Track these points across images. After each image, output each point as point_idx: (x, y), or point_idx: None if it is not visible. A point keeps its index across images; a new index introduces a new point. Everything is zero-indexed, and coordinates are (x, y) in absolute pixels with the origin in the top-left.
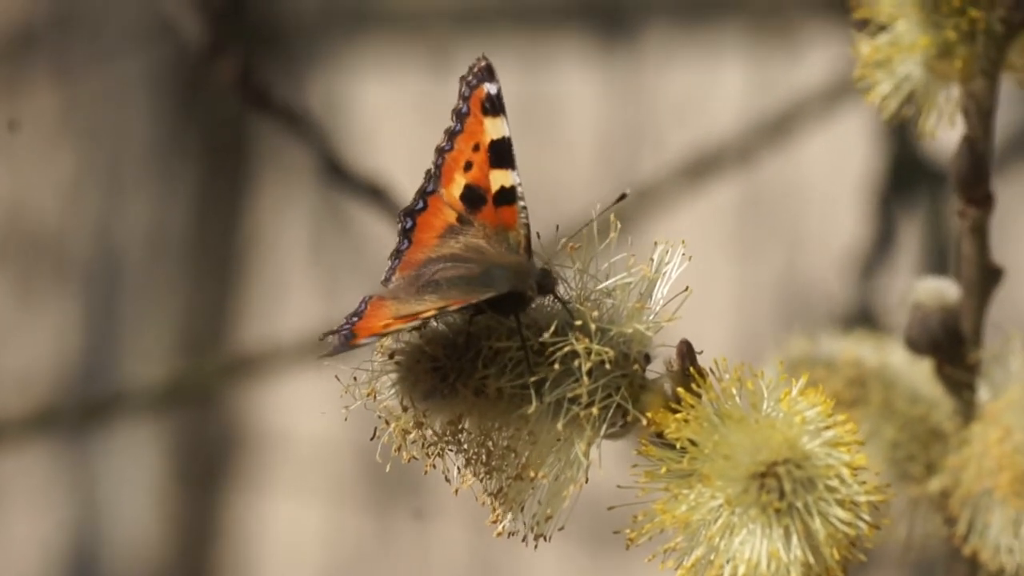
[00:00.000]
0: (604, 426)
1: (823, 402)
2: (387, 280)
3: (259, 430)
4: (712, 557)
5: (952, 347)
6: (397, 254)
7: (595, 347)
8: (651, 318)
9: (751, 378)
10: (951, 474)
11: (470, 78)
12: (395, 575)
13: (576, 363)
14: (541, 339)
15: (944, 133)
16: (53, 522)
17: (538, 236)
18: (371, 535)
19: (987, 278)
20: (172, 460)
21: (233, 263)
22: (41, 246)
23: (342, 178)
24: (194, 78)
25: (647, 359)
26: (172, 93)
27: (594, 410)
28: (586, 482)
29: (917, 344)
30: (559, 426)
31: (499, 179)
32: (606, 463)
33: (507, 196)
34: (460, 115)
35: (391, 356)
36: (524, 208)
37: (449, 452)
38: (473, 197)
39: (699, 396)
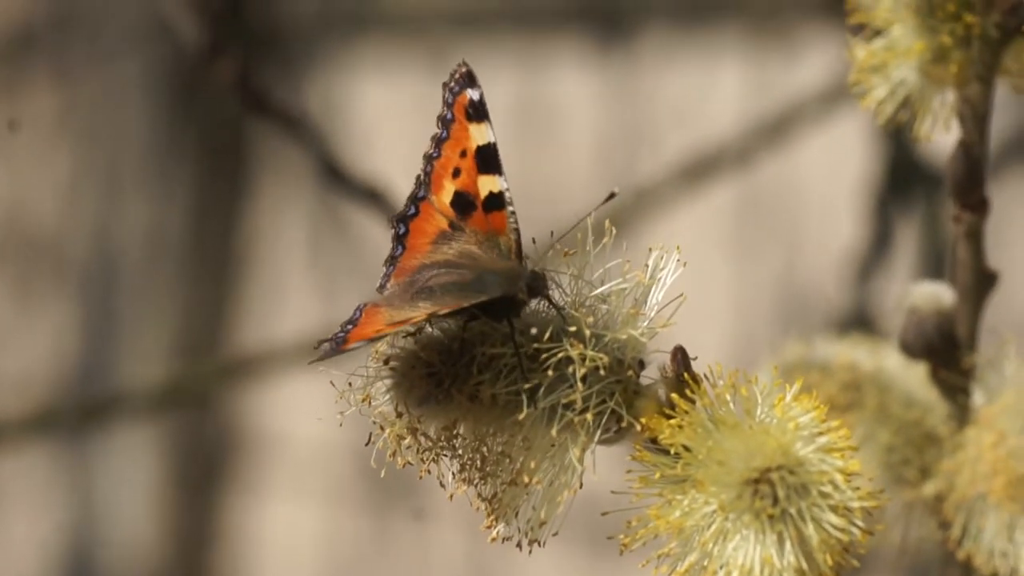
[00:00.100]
0: (598, 432)
1: (817, 408)
2: (382, 287)
3: (257, 432)
4: (706, 563)
5: (947, 351)
6: (391, 260)
7: (589, 353)
8: (646, 324)
9: (745, 384)
10: (946, 478)
11: (452, 84)
12: None
13: (570, 369)
14: (536, 345)
15: (941, 136)
16: (51, 523)
17: (533, 241)
18: (368, 537)
19: (982, 283)
20: (170, 462)
21: (231, 265)
22: (39, 247)
23: (340, 180)
24: (192, 80)
25: (641, 365)
26: (170, 95)
27: (588, 416)
28: (580, 487)
29: (912, 348)
30: (553, 432)
31: (487, 185)
32: (604, 468)
33: (496, 202)
34: (445, 121)
35: (386, 362)
36: (513, 213)
37: (444, 457)
38: (463, 203)
39: (693, 402)
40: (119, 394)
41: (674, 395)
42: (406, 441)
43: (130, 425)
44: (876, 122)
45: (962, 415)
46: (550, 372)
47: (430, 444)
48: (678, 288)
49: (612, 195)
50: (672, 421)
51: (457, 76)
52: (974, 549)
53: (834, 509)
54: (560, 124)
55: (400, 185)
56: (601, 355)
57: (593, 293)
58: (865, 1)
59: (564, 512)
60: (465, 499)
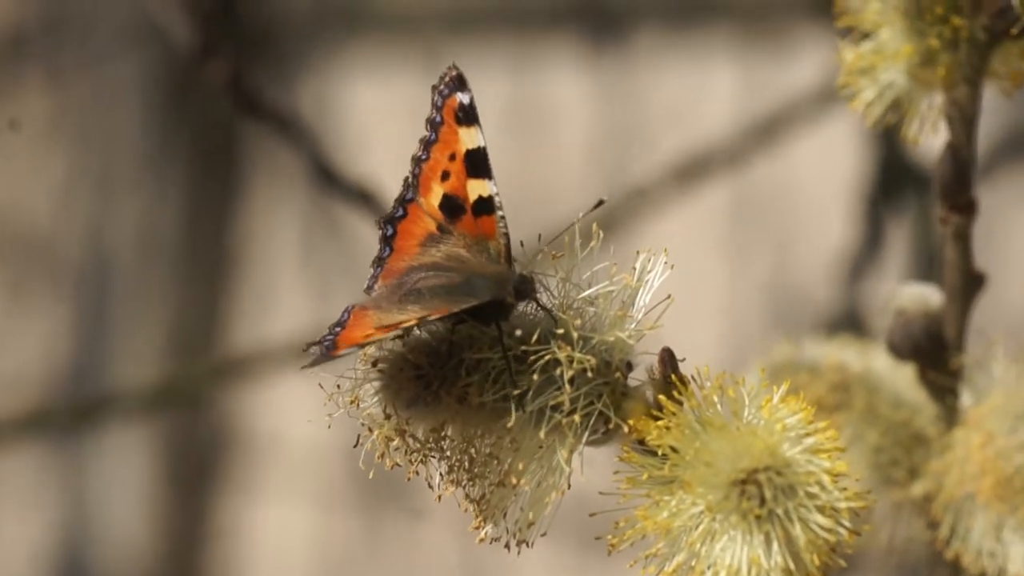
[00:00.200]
0: (586, 433)
1: (804, 409)
2: (370, 288)
3: (249, 432)
4: (693, 563)
5: (935, 352)
6: (379, 262)
7: (577, 355)
8: (633, 326)
9: (732, 385)
10: (934, 478)
11: (442, 88)
12: None
13: (558, 371)
14: (523, 347)
15: (931, 138)
16: (43, 523)
17: (522, 244)
18: (360, 538)
19: (970, 284)
20: (162, 462)
21: (224, 266)
22: (32, 248)
23: (332, 182)
24: (185, 81)
25: (629, 367)
26: (163, 96)
27: (576, 418)
28: (568, 488)
29: (900, 349)
30: (541, 433)
31: (476, 189)
32: (599, 468)
33: (485, 206)
34: (434, 124)
35: (374, 364)
36: (503, 218)
37: (432, 459)
38: (452, 207)
39: (681, 403)
40: (112, 394)
41: (662, 397)
42: (394, 443)
43: (123, 425)
44: (865, 124)
45: (950, 416)
46: (538, 375)
47: (418, 446)
48: (670, 288)
49: (600, 203)
50: (660, 422)
51: (447, 79)
52: (962, 549)
53: (821, 510)
54: (553, 124)
55: (392, 187)
56: (589, 357)
57: (581, 296)
58: (853, 4)
59: (552, 513)
60: (455, 500)
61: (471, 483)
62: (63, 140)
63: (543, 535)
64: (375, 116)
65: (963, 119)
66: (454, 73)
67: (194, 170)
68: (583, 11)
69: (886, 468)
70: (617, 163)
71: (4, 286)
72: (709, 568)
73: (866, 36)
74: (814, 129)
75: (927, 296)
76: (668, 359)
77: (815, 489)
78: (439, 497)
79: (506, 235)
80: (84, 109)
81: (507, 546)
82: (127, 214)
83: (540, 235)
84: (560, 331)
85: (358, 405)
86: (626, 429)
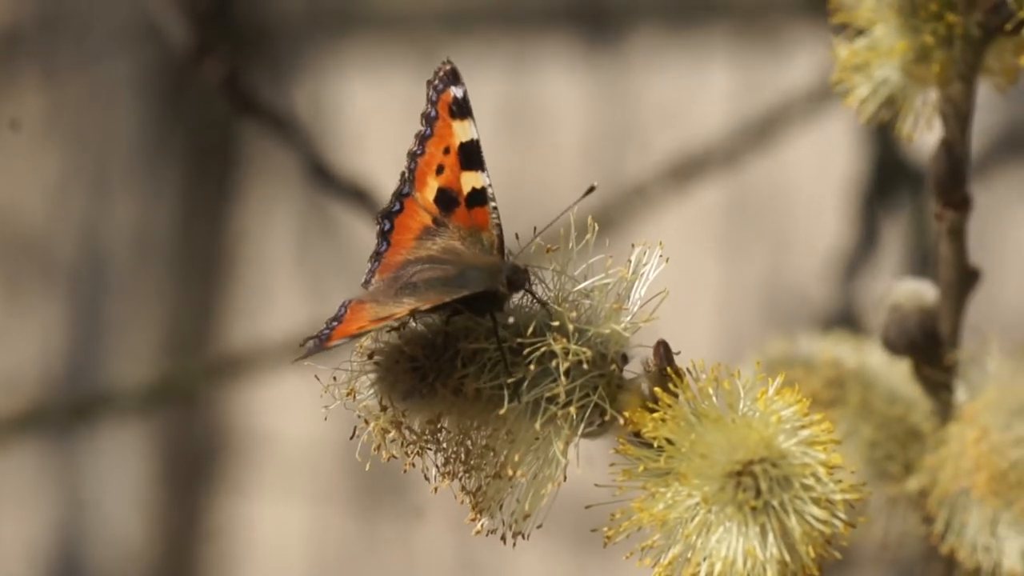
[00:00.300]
0: (582, 425)
1: (799, 401)
2: (367, 283)
3: (245, 431)
4: (689, 555)
5: (930, 348)
6: (376, 256)
7: (573, 347)
8: (628, 319)
9: (728, 378)
10: (929, 473)
11: (436, 82)
12: (380, 574)
13: (554, 363)
14: (519, 339)
15: (925, 135)
16: (39, 522)
17: (516, 237)
18: (356, 536)
19: (965, 280)
20: (158, 460)
21: (219, 265)
22: (28, 247)
23: (328, 180)
24: (180, 80)
25: (624, 359)
26: (158, 95)
27: (572, 410)
28: (564, 480)
29: (895, 345)
30: (537, 425)
31: (470, 181)
32: (595, 462)
33: (478, 198)
34: (429, 119)
35: (370, 356)
36: (495, 209)
37: (428, 451)
38: (446, 200)
39: (676, 396)
40: (107, 393)
41: (657, 389)
42: (391, 435)
43: (118, 424)
44: (859, 121)
45: (945, 411)
46: (533, 366)
47: (414, 438)
48: (664, 286)
49: (591, 189)
50: (655, 415)
51: (441, 74)
52: (957, 544)
53: (816, 502)
54: (548, 124)
55: (387, 185)
56: (584, 349)
57: (576, 288)
58: (848, 1)
59: (548, 505)
60: (452, 497)
61: (467, 475)
62: (58, 139)
63: (539, 527)
64: (370, 115)
65: (957, 115)
66: (448, 68)
67: (190, 169)
68: (578, 11)
69: (881, 463)
70: (613, 162)
71: (0, 285)
72: (705, 560)
73: (860, 33)
74: (809, 128)
75: (922, 292)
76: (664, 352)
77: (811, 481)
78: (435, 489)
79: (499, 226)
80: (79, 108)
81: (503, 538)
82: (122, 212)
83: (535, 227)
84: (556, 323)
85: (354, 397)
86: (622, 421)
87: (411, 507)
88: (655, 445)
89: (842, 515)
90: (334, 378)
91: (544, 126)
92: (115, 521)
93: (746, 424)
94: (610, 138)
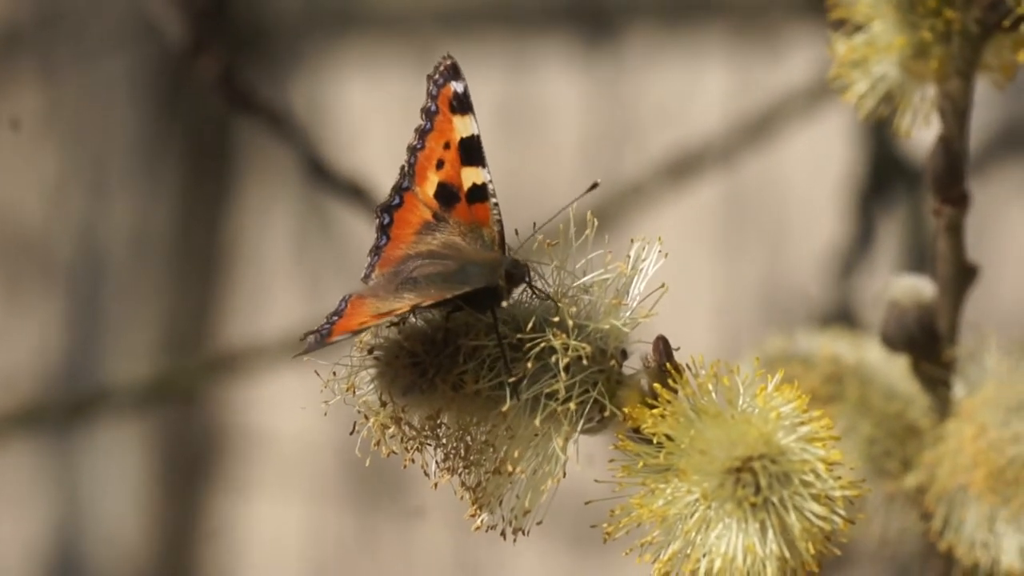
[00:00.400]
0: (581, 421)
1: (798, 398)
2: (367, 277)
3: (242, 429)
4: (689, 551)
5: (928, 344)
6: (376, 250)
7: (572, 343)
8: (628, 314)
9: (727, 374)
10: (927, 470)
11: (436, 77)
12: (378, 573)
13: (553, 359)
14: (519, 335)
15: (923, 132)
16: (36, 519)
17: (516, 233)
18: (354, 534)
19: (963, 276)
20: (155, 458)
21: (216, 262)
22: (26, 245)
23: (325, 178)
24: (177, 78)
25: (624, 355)
26: (155, 93)
27: (571, 405)
28: (564, 476)
29: (893, 341)
30: (537, 421)
31: (470, 176)
32: (594, 458)
33: (479, 193)
34: (429, 113)
35: (370, 351)
36: (496, 205)
37: (428, 446)
38: (446, 194)
39: (675, 392)
40: (105, 391)
41: (656, 385)
42: (390, 430)
43: (116, 421)
44: (857, 117)
45: (943, 407)
46: (532, 362)
47: (414, 433)
48: (662, 281)
49: (595, 185)
50: (655, 411)
51: (442, 68)
52: (955, 540)
53: (816, 498)
54: (546, 123)
55: (385, 183)
56: (584, 345)
57: (575, 284)
58: None
59: (548, 501)
60: (450, 494)
61: (467, 471)
62: (56, 137)
63: (538, 524)
64: (367, 113)
65: (955, 112)
66: (448, 62)
67: (187, 167)
68: (576, 10)
69: (879, 459)
70: (611, 161)
71: None
72: (704, 556)
73: (858, 29)
74: (806, 126)
75: (920, 288)
76: (663, 348)
77: (810, 477)
78: (435, 485)
79: (499, 222)
80: (77, 106)
81: (503, 534)
82: (120, 210)
83: (535, 224)
84: (555, 319)
85: (354, 392)
86: (621, 417)
87: (409, 506)
88: (655, 441)
89: (841, 511)
90: (334, 373)
91: (542, 125)
92: (113, 519)
93: (745, 420)
94: (608, 136)
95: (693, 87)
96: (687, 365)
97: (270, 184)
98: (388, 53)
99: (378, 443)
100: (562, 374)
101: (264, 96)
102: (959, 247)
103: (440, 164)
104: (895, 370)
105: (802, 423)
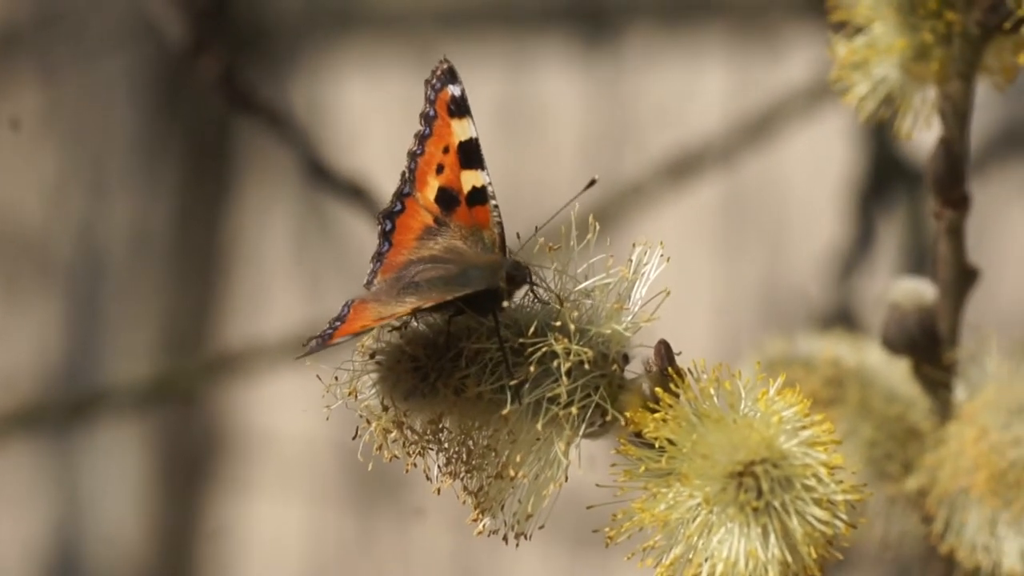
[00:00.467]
0: (583, 426)
1: (800, 402)
2: (369, 283)
3: (242, 429)
4: (691, 556)
5: (929, 347)
6: (378, 257)
7: (574, 347)
8: (630, 319)
9: (729, 378)
10: (928, 473)
11: (434, 81)
12: (378, 574)
13: (555, 363)
14: (520, 339)
15: (923, 134)
16: (36, 520)
17: (518, 236)
18: (353, 534)
19: (963, 279)
20: (155, 458)
21: (216, 263)
22: (25, 245)
23: (325, 178)
24: (177, 78)
25: (626, 359)
26: (155, 93)
27: (573, 410)
28: (566, 481)
29: (894, 344)
30: (539, 426)
31: (470, 180)
32: (595, 462)
33: (479, 196)
34: (428, 118)
35: (372, 356)
36: (496, 207)
37: (430, 451)
38: (447, 199)
39: (677, 396)
40: (105, 391)
41: (658, 389)
42: (392, 435)
43: (115, 422)
44: (858, 119)
45: (944, 410)
46: (535, 366)
47: (416, 438)
48: (662, 284)
49: (593, 182)
50: (656, 415)
51: (439, 73)
52: (957, 543)
53: (818, 502)
54: (545, 123)
55: (385, 183)
56: (585, 349)
57: (577, 288)
58: None
59: (550, 505)
60: (450, 496)
61: (469, 475)
62: (55, 136)
63: (540, 527)
64: (367, 114)
65: (956, 114)
66: (445, 66)
67: (186, 167)
68: (576, 10)
69: (880, 462)
70: (610, 161)
71: None
72: (707, 560)
73: (859, 31)
74: (805, 126)
75: (921, 290)
76: (664, 352)
77: (812, 482)
78: (438, 490)
79: (500, 224)
80: (76, 106)
81: (505, 538)
82: (119, 211)
83: (536, 227)
84: (557, 323)
85: (356, 397)
86: (623, 422)
87: (409, 506)
88: (656, 445)
89: (843, 516)
90: (336, 378)
91: (542, 125)
92: (112, 519)
93: (747, 425)
94: (607, 137)
95: (693, 87)
96: (689, 369)
97: (270, 184)
98: (388, 53)
99: (380, 447)
100: (564, 378)
101: (264, 96)
102: (960, 250)
103: (440, 168)
104: (896, 373)
105: (804, 427)
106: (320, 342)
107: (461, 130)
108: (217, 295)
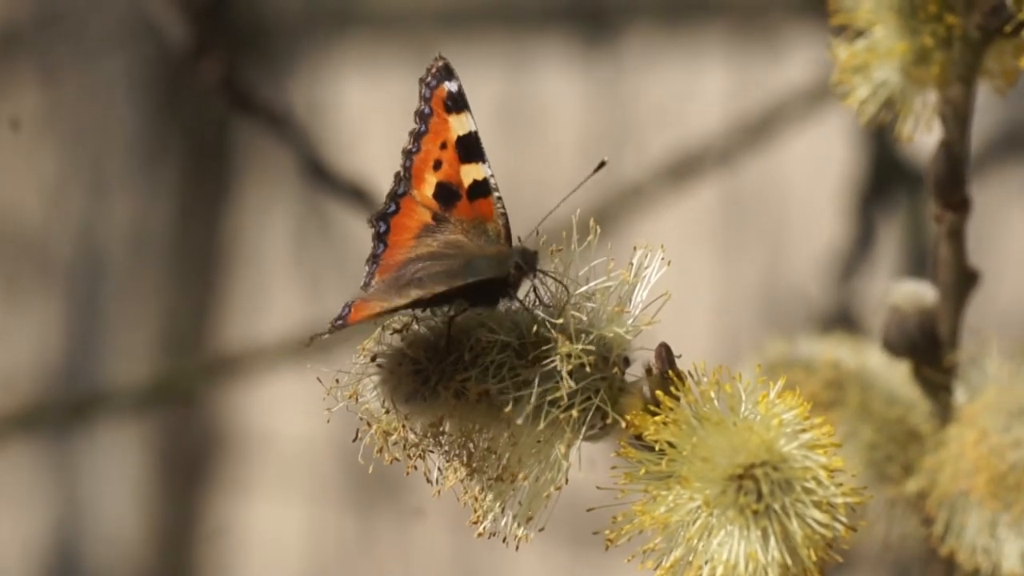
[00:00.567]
0: (584, 428)
1: (800, 405)
2: (367, 285)
3: (242, 430)
4: (691, 558)
5: (929, 350)
6: (373, 259)
7: (575, 350)
8: (631, 322)
9: (729, 381)
10: (928, 475)
11: (429, 79)
12: (378, 574)
13: (556, 366)
14: (521, 342)
15: (924, 136)
16: (36, 521)
17: (519, 239)
18: (353, 535)
19: (964, 281)
20: (155, 459)
21: (216, 263)
22: (24, 246)
23: (325, 179)
24: (177, 78)
25: (626, 362)
26: (155, 93)
27: (574, 412)
28: (566, 483)
29: (894, 346)
30: (539, 428)
31: (471, 173)
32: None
33: (481, 189)
34: (423, 116)
35: (373, 359)
36: (500, 198)
37: (430, 454)
38: (446, 194)
39: (678, 399)
40: (104, 392)
41: (659, 392)
42: (393, 438)
43: (115, 423)
44: (859, 122)
45: (944, 413)
46: (536, 369)
47: (416, 440)
48: (662, 286)
49: (603, 164)
50: (657, 418)
51: (434, 70)
52: (956, 546)
53: (818, 505)
54: (545, 123)
55: (385, 184)
56: (587, 348)
57: (579, 291)
58: (847, 2)
59: (550, 508)
60: (450, 496)
61: (470, 478)
62: (55, 137)
63: (541, 530)
64: (367, 114)
65: (957, 117)
66: (440, 63)
67: (186, 167)
68: (575, 10)
69: (880, 465)
70: (610, 161)
71: None
72: (707, 563)
73: (860, 34)
74: (806, 128)
75: (921, 293)
76: (665, 355)
77: (812, 484)
78: (438, 492)
79: (504, 215)
80: (76, 106)
81: (505, 541)
82: (119, 211)
83: (538, 231)
84: (559, 321)
85: (356, 399)
86: (623, 424)
87: (409, 507)
88: (657, 448)
89: (843, 518)
90: (336, 380)
91: (541, 125)
92: (112, 520)
93: (747, 427)
94: (607, 137)
95: (692, 87)
96: (689, 372)
97: (270, 184)
98: (387, 53)
99: (380, 450)
100: (565, 381)
101: (264, 97)
102: (960, 253)
103: (437, 165)
104: (896, 375)
105: (804, 430)
106: (336, 325)
107: (459, 124)
108: (217, 295)
